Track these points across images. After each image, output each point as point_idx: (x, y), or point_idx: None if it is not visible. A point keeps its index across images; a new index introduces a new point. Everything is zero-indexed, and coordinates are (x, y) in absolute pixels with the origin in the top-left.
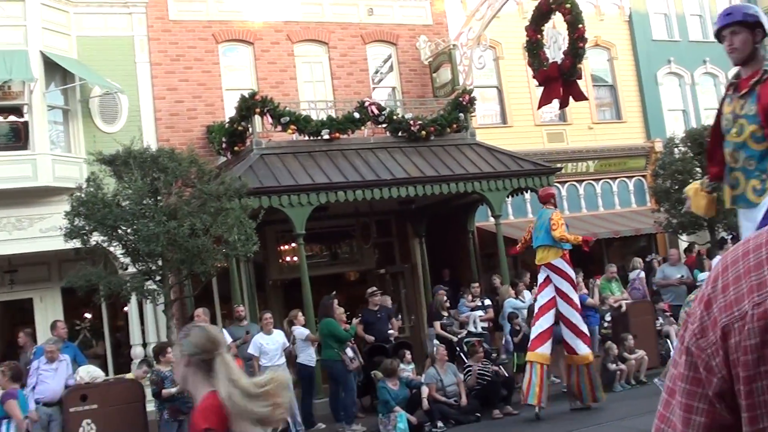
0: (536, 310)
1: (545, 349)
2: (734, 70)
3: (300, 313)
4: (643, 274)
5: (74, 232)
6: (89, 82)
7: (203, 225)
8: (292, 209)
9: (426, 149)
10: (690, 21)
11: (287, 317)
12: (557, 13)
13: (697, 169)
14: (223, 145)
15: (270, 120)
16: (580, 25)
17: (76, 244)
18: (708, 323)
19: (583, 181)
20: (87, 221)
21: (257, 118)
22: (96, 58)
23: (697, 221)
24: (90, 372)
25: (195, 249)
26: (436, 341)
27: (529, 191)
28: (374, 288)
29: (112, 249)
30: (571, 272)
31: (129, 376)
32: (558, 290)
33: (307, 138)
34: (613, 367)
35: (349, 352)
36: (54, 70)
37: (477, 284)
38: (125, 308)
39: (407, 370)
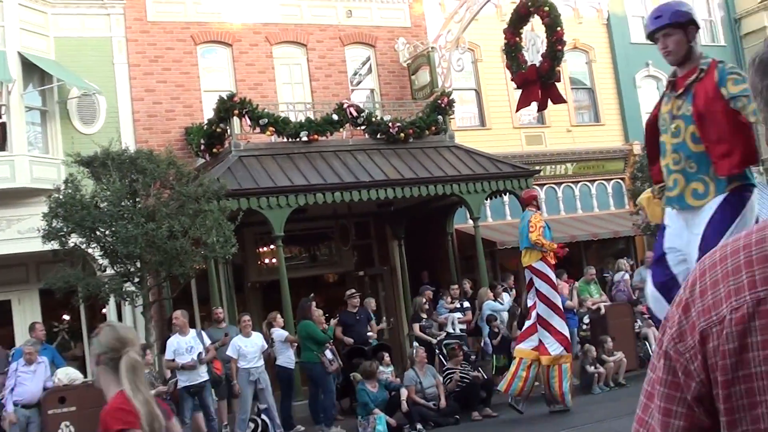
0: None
1: (525, 344)
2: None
3: (279, 315)
4: (627, 276)
5: (52, 233)
6: (67, 83)
7: (182, 227)
8: (271, 211)
9: (405, 151)
10: None
11: (266, 319)
12: (536, 15)
13: None
14: (202, 147)
15: (248, 122)
16: (559, 28)
17: (54, 245)
18: (686, 327)
19: (562, 183)
20: (65, 223)
21: (236, 120)
22: (74, 59)
23: None
24: (68, 374)
25: (173, 251)
26: (415, 343)
27: (507, 193)
28: (353, 290)
29: (90, 251)
30: (551, 274)
31: None
32: (538, 292)
33: (285, 140)
34: (591, 369)
35: (328, 354)
36: (32, 71)
37: (456, 286)
38: (104, 310)
39: (386, 372)
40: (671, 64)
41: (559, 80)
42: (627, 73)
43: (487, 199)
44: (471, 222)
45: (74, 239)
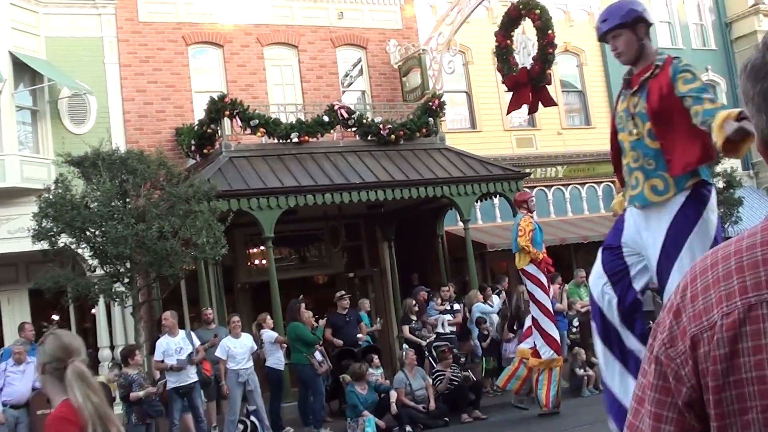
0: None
1: (525, 344)
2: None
3: (269, 317)
4: None
5: (42, 233)
6: (58, 83)
7: (172, 227)
8: (261, 212)
9: (395, 153)
10: (659, 27)
11: (256, 321)
12: (527, 18)
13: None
14: (192, 148)
15: (239, 123)
16: (550, 31)
17: (44, 245)
18: (677, 333)
19: (552, 186)
20: (55, 223)
21: (226, 121)
22: (65, 59)
23: None
24: None
25: (163, 251)
26: (405, 345)
27: (498, 196)
28: (343, 292)
29: (80, 251)
30: (543, 278)
31: (99, 378)
32: (530, 295)
33: (276, 141)
34: (581, 372)
35: (318, 355)
36: (23, 70)
37: (447, 288)
38: (93, 310)
39: (376, 374)
40: (624, 64)
41: (549, 83)
42: (618, 76)
43: (477, 202)
44: (461, 224)
45: (64, 239)
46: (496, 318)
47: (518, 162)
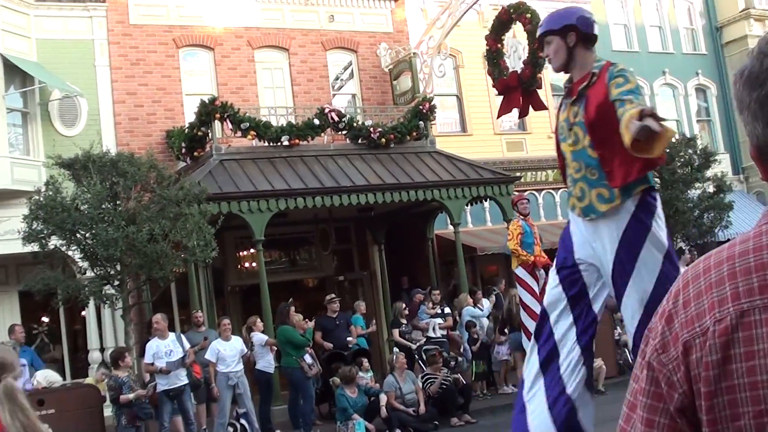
0: None
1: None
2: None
3: (258, 320)
4: None
5: (32, 235)
6: (49, 85)
7: (162, 230)
8: (251, 215)
9: (386, 156)
10: (649, 32)
11: (246, 323)
12: (517, 22)
13: (656, 179)
14: (183, 150)
15: (230, 125)
16: None
17: (34, 247)
18: (669, 338)
19: (543, 190)
20: (45, 225)
21: (217, 124)
22: (56, 61)
23: None
24: (47, 376)
25: (154, 254)
26: (396, 349)
27: (488, 200)
28: (333, 295)
29: (70, 253)
30: (531, 281)
31: (88, 380)
32: (519, 299)
33: (266, 144)
34: None
35: (308, 358)
36: (13, 72)
37: (438, 291)
38: (83, 312)
39: (365, 377)
40: (555, 71)
41: (540, 87)
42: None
43: (467, 205)
44: (451, 228)
45: (54, 241)
46: (485, 322)
47: (509, 166)
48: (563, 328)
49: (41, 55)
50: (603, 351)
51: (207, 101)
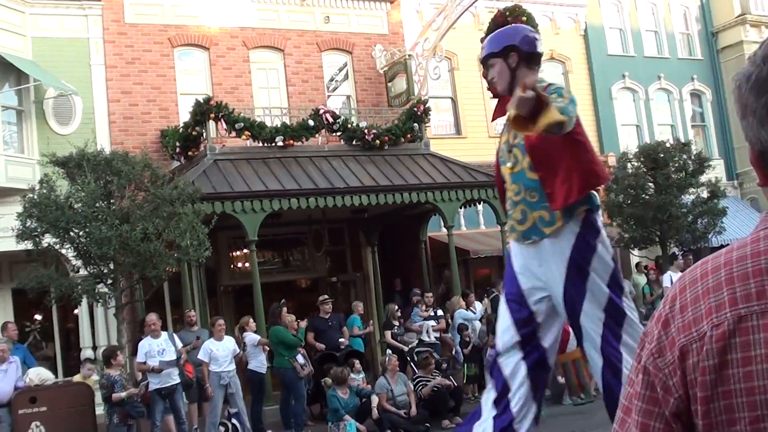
0: None
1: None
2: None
3: (251, 320)
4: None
5: (26, 233)
6: (44, 83)
7: (156, 229)
8: (245, 215)
9: (380, 158)
10: (645, 36)
11: (238, 323)
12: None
13: (650, 184)
14: (177, 150)
15: (224, 125)
16: None
17: (27, 245)
18: (666, 343)
19: None
20: (39, 223)
21: (211, 124)
22: (51, 60)
23: (649, 236)
24: (40, 374)
25: (147, 253)
26: (388, 351)
27: (481, 202)
28: (326, 296)
29: (64, 251)
30: None
31: (77, 377)
32: None
33: (261, 144)
34: (562, 380)
35: (300, 358)
36: (8, 70)
37: (431, 294)
38: (76, 311)
39: (357, 379)
40: (500, 95)
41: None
42: (603, 84)
43: (461, 208)
44: (445, 230)
45: (48, 239)
46: (478, 324)
47: None
48: (512, 363)
49: (36, 53)
50: None
51: (202, 101)
